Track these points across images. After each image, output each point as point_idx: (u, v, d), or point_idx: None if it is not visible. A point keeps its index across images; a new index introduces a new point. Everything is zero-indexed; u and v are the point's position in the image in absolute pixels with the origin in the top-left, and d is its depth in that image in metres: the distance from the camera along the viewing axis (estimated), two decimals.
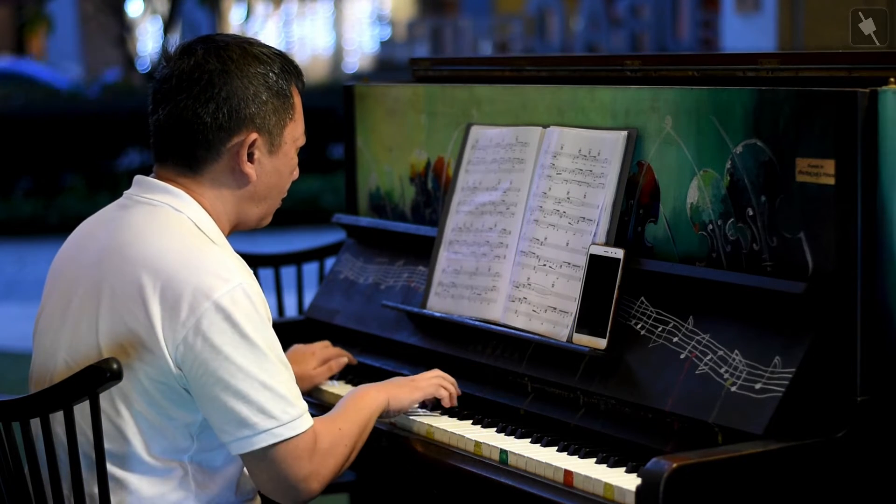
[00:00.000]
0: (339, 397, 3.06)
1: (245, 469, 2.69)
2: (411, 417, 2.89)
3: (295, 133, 2.74)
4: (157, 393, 2.56)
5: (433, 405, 2.94)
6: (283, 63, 2.72)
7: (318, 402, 3.13)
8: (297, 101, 2.75)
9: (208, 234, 2.64)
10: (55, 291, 2.70)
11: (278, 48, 2.78)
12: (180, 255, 2.57)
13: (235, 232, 2.78)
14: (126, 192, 2.72)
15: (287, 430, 2.56)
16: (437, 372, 2.95)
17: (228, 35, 2.76)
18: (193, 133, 2.65)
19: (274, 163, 2.72)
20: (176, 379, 2.55)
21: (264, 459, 2.58)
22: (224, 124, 2.65)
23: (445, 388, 2.92)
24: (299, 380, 3.14)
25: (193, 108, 2.64)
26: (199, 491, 2.63)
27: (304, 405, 2.61)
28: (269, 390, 2.55)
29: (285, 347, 3.43)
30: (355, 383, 3.21)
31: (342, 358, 3.25)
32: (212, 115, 2.64)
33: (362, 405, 2.77)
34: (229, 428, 2.55)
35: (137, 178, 2.71)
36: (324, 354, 3.23)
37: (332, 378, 3.25)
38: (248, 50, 2.69)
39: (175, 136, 2.66)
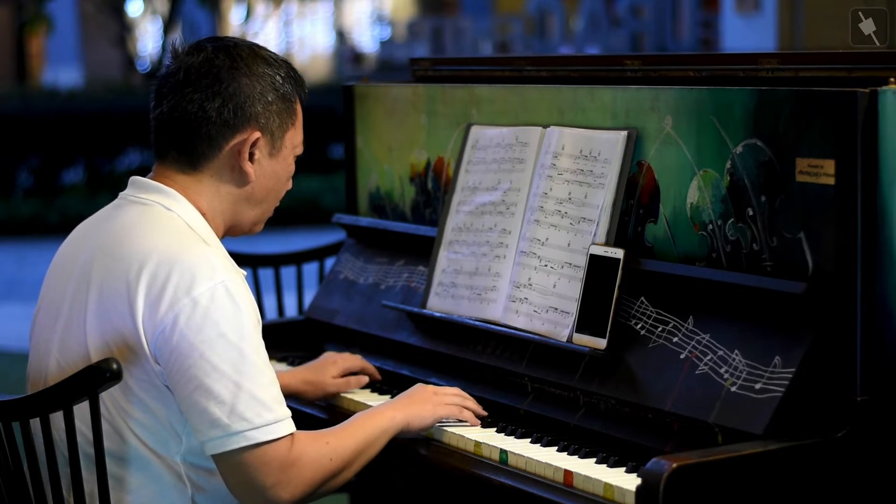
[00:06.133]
0: (355, 403, 3.06)
1: None
2: None
3: (295, 140, 2.75)
4: (140, 391, 2.55)
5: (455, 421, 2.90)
6: (290, 70, 2.74)
7: (335, 408, 3.09)
8: (299, 109, 2.76)
9: (199, 233, 2.63)
10: (50, 291, 2.70)
11: (283, 55, 2.80)
12: (167, 252, 2.56)
13: (232, 237, 2.78)
14: (121, 193, 2.73)
15: (260, 433, 2.50)
16: (458, 391, 2.89)
17: (237, 37, 2.78)
18: (197, 127, 2.65)
19: (273, 166, 2.72)
20: (157, 375, 2.54)
21: (233, 462, 2.52)
22: (229, 120, 2.65)
23: (468, 409, 2.85)
24: (311, 385, 3.11)
25: (199, 102, 2.64)
26: (195, 492, 2.62)
27: (285, 412, 2.55)
28: (243, 391, 2.50)
29: (287, 347, 3.44)
30: (380, 391, 3.16)
31: (362, 377, 3.17)
32: (217, 111, 2.65)
33: (369, 424, 2.70)
34: (202, 427, 2.52)
35: (132, 178, 2.72)
36: (347, 365, 3.17)
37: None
38: (258, 52, 2.72)
39: (178, 130, 2.66)
